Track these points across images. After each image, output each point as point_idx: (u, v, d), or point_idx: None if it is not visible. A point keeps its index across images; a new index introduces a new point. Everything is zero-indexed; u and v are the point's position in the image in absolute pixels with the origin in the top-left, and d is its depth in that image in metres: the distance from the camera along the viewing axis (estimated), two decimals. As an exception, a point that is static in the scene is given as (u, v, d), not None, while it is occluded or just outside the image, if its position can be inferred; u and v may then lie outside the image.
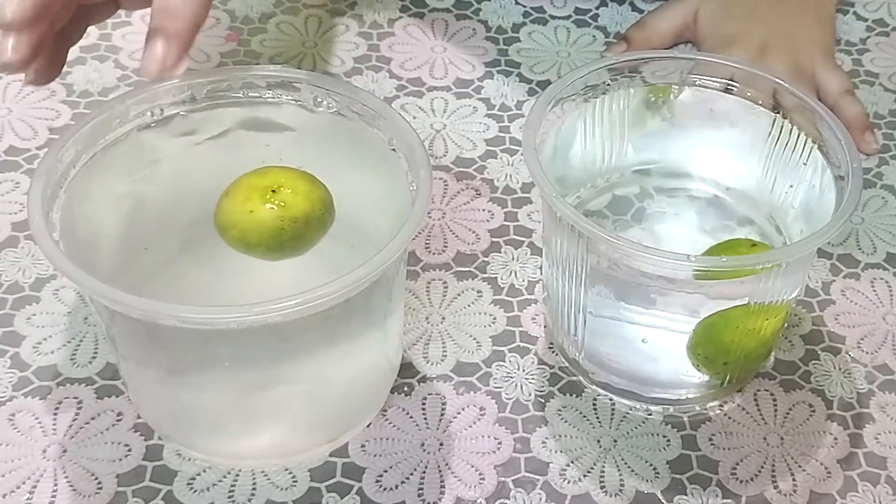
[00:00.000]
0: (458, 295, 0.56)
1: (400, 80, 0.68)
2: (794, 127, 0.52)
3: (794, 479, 0.49)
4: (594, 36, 0.72)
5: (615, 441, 0.50)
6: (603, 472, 0.49)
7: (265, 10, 0.72)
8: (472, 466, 0.49)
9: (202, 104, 0.49)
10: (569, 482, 0.49)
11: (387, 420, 0.50)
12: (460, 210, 0.61)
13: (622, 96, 0.53)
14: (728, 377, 0.50)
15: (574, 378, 0.53)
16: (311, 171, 0.46)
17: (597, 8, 0.74)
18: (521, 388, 0.52)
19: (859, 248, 0.60)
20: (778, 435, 0.51)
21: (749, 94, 0.53)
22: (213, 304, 0.40)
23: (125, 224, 0.47)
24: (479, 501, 0.48)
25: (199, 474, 0.48)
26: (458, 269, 0.57)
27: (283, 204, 0.45)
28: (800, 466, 0.50)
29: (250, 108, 0.49)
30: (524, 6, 0.74)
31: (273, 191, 0.45)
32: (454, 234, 0.59)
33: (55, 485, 0.47)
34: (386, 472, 0.49)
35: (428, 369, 0.53)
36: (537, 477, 0.49)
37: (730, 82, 0.53)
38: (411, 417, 0.51)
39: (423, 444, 0.50)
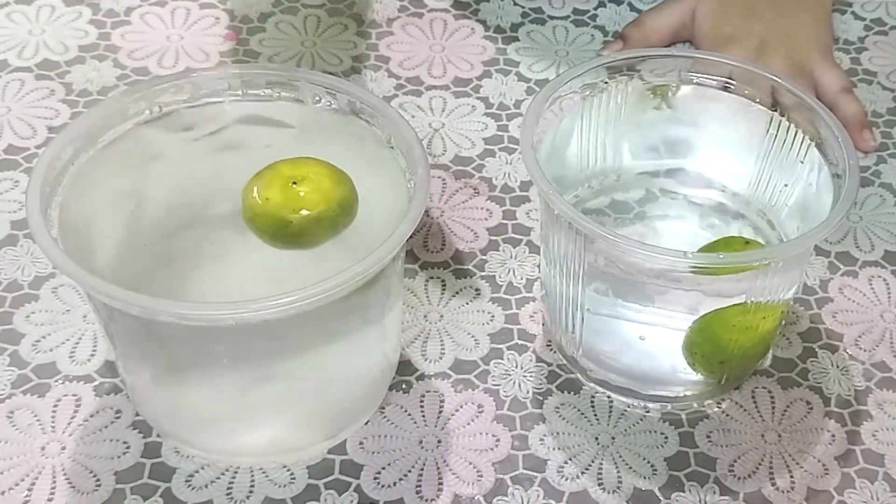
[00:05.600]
0: (457, 293, 0.56)
1: (399, 78, 0.68)
2: (792, 125, 0.52)
3: (791, 476, 0.49)
4: (592, 35, 0.72)
5: (613, 438, 0.50)
6: (601, 469, 0.49)
7: (264, 10, 0.72)
8: (470, 463, 0.49)
9: (201, 102, 0.49)
10: (567, 479, 0.49)
11: (385, 417, 0.51)
12: (459, 208, 0.61)
13: (620, 94, 0.53)
14: (725, 375, 0.50)
15: (572, 375, 0.53)
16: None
17: (595, 9, 0.75)
18: (519, 385, 0.52)
19: (857, 246, 0.60)
20: (776, 432, 0.51)
21: (747, 92, 0.53)
22: (212, 301, 0.41)
23: (124, 221, 0.47)
24: (476, 498, 0.48)
25: (197, 471, 0.48)
26: (456, 267, 0.58)
27: (297, 198, 0.45)
28: (797, 463, 0.50)
29: (249, 105, 0.49)
30: (522, 7, 0.74)
31: (294, 183, 0.45)
32: (452, 233, 0.59)
33: (54, 482, 0.47)
34: (384, 469, 0.49)
35: (426, 367, 0.53)
36: (535, 474, 0.49)
37: (728, 80, 0.53)
38: (409, 415, 0.51)
39: (421, 442, 0.50)
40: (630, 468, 0.49)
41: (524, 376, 0.53)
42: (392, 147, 0.47)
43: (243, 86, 0.49)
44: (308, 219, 0.45)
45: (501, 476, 0.49)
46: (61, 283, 0.55)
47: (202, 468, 0.48)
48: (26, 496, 0.47)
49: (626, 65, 0.53)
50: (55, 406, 0.50)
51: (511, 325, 0.55)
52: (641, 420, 0.51)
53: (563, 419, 0.51)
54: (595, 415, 0.51)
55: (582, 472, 0.49)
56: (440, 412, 0.51)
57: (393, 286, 0.46)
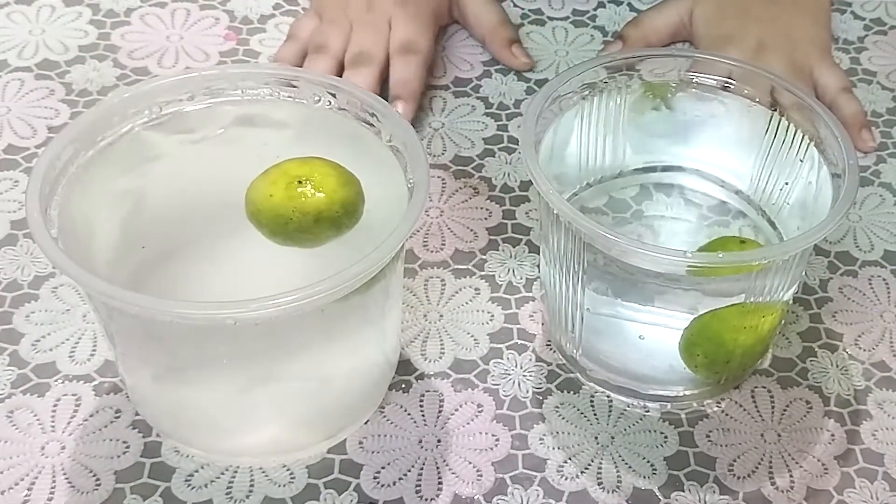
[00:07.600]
0: (456, 292, 0.56)
1: (398, 78, 0.68)
2: (792, 124, 0.52)
3: (791, 476, 0.50)
4: (592, 35, 0.72)
5: (612, 438, 0.50)
6: (600, 468, 0.49)
7: (264, 12, 0.72)
8: (470, 463, 0.49)
9: (201, 102, 0.49)
10: (566, 479, 0.49)
11: (385, 417, 0.51)
12: (458, 208, 0.61)
13: (619, 94, 0.53)
14: (726, 375, 0.50)
15: (571, 375, 0.53)
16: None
17: (594, 9, 0.75)
18: (519, 385, 0.52)
19: (857, 246, 0.60)
20: (775, 432, 0.51)
21: (746, 91, 0.53)
22: (211, 301, 0.41)
23: (123, 221, 0.47)
24: (476, 498, 0.48)
25: (197, 471, 0.48)
26: (456, 266, 0.58)
27: (300, 197, 0.45)
28: (797, 463, 0.50)
29: (249, 105, 0.49)
30: (522, 8, 0.74)
31: (299, 181, 0.45)
32: (452, 232, 0.59)
33: (53, 481, 0.47)
34: (383, 468, 0.49)
35: (426, 366, 0.53)
36: (535, 473, 0.49)
37: (727, 80, 0.53)
38: (409, 414, 0.51)
39: (420, 441, 0.50)
40: (630, 467, 0.49)
41: (524, 376, 0.53)
42: (392, 147, 0.47)
43: (243, 86, 0.49)
44: (308, 217, 0.45)
45: (501, 475, 0.49)
46: (61, 282, 0.55)
47: (202, 468, 0.48)
48: (26, 496, 0.47)
49: (625, 64, 0.53)
50: (55, 406, 0.50)
51: (510, 324, 0.55)
52: (641, 419, 0.51)
53: (563, 419, 0.51)
54: (595, 414, 0.51)
55: (581, 472, 0.49)
56: (440, 412, 0.51)
57: (392, 286, 0.46)
